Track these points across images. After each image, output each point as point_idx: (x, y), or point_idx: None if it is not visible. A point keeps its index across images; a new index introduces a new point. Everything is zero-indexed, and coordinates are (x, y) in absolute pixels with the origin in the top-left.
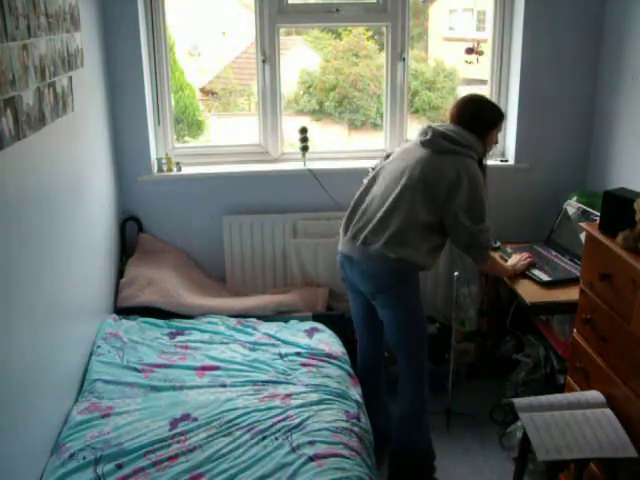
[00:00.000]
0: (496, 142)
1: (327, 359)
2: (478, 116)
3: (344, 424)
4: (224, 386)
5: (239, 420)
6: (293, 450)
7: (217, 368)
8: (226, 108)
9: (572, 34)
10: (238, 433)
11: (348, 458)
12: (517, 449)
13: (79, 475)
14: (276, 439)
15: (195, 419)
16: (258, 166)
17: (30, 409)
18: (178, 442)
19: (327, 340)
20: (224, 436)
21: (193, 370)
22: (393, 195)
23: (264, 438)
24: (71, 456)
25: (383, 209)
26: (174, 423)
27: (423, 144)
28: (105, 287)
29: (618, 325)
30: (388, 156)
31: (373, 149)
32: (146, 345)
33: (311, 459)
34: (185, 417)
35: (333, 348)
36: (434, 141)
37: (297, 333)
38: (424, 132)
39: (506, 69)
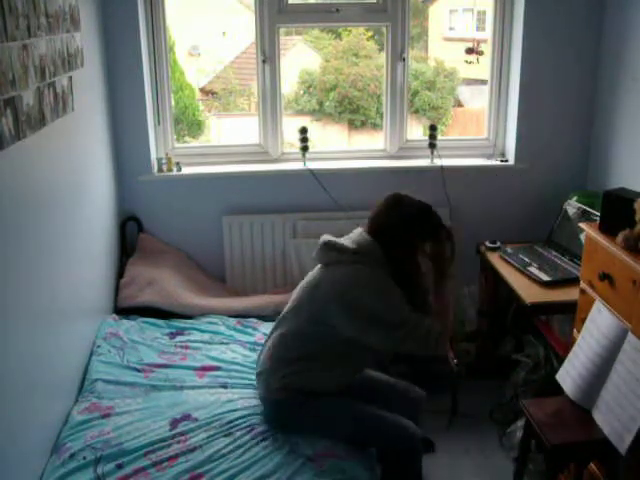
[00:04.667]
0: (441, 254)
1: None
2: (381, 222)
3: None
4: (225, 387)
5: (239, 421)
6: (293, 451)
7: (217, 369)
8: (226, 108)
9: (572, 34)
10: (238, 434)
11: (347, 459)
12: (517, 449)
13: (79, 475)
14: (276, 440)
15: (195, 419)
16: (258, 166)
17: (30, 409)
18: (178, 442)
19: None
20: (224, 436)
21: (193, 370)
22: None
23: (264, 439)
24: (71, 456)
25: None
26: (174, 423)
27: (314, 259)
28: (105, 287)
29: None
30: None
31: (373, 149)
32: (146, 345)
33: (310, 460)
34: (185, 417)
35: None
36: (320, 254)
37: None
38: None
39: (506, 69)
